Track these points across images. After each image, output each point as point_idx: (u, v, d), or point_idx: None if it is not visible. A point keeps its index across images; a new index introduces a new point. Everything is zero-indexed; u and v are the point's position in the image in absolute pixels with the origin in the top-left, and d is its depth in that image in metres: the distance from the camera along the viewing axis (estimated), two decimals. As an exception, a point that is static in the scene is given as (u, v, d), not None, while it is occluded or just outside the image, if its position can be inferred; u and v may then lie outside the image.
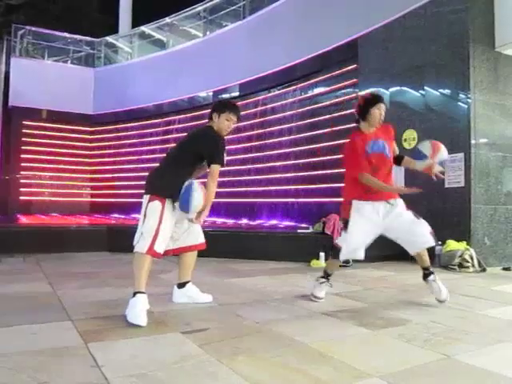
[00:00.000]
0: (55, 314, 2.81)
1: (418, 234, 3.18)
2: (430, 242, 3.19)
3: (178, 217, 3.03)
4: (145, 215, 2.92)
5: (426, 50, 5.85)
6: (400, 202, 3.23)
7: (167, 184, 2.96)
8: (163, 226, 2.88)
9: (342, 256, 3.19)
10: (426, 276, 3.30)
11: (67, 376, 1.81)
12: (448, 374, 1.93)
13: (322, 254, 5.27)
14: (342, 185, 3.52)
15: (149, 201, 2.94)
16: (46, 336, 2.35)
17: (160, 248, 2.88)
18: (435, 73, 5.74)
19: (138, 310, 2.65)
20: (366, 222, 3.15)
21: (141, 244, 2.85)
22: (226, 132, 3.19)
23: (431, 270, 3.30)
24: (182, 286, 3.22)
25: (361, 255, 3.22)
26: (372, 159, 3.17)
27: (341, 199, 3.63)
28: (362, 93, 3.51)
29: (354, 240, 3.16)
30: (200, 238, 3.22)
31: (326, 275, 3.40)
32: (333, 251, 3.30)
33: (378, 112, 3.22)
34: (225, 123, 3.14)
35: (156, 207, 2.90)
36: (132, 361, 2.00)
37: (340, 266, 3.50)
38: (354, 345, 2.31)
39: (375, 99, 3.26)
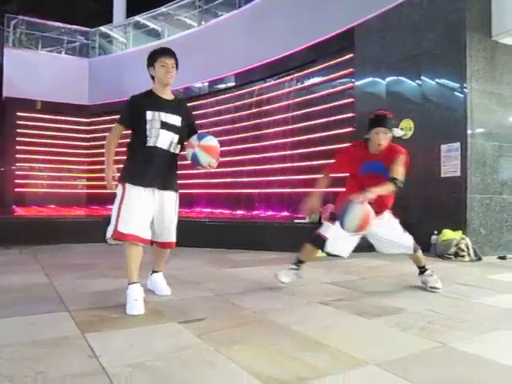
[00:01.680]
0: (52, 304, 2.82)
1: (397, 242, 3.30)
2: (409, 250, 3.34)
3: (157, 208, 2.94)
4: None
5: (422, 39, 5.82)
6: (386, 215, 3.31)
7: (124, 168, 2.96)
8: (125, 208, 2.79)
9: (327, 248, 3.18)
10: (421, 272, 3.46)
11: (64, 366, 1.81)
12: (444, 361, 1.94)
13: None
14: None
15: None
16: (43, 327, 2.35)
17: (125, 228, 2.76)
18: (432, 62, 5.72)
19: (133, 300, 2.70)
20: None
21: (108, 231, 2.82)
22: (169, 78, 2.96)
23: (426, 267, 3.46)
24: (153, 272, 3.24)
25: (344, 252, 3.24)
26: (364, 179, 3.17)
27: (337, 189, 3.65)
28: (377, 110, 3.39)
29: (342, 234, 3.09)
30: (169, 237, 3.04)
31: (299, 262, 3.37)
32: (315, 240, 3.25)
33: (376, 137, 3.11)
34: (162, 71, 2.95)
35: (118, 191, 2.88)
36: (129, 351, 2.00)
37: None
38: (350, 333, 2.32)
39: (373, 122, 3.13)
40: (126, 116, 2.98)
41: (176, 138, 2.97)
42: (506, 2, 5.38)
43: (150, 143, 2.88)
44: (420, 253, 3.41)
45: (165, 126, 2.91)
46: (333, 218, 3.24)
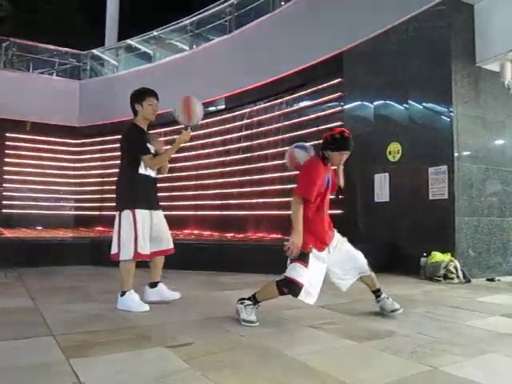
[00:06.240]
0: (37, 329, 2.75)
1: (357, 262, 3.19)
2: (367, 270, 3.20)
3: (152, 225, 3.45)
4: (119, 226, 3.34)
5: (409, 64, 5.95)
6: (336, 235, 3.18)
7: (126, 196, 3.38)
8: (140, 232, 3.30)
9: (301, 296, 2.83)
10: (377, 296, 3.30)
11: (48, 393, 1.76)
12: (434, 385, 1.93)
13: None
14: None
15: (120, 212, 3.38)
16: (27, 352, 2.29)
17: (142, 249, 3.32)
18: (418, 87, 5.84)
19: (138, 301, 3.30)
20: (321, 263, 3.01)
21: (126, 252, 3.30)
22: (153, 115, 3.47)
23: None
24: (153, 285, 3.60)
25: (314, 300, 2.92)
26: (326, 194, 3.09)
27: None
28: (341, 127, 3.44)
29: (315, 281, 2.89)
30: (169, 244, 3.60)
31: (255, 301, 2.98)
32: (288, 286, 2.84)
33: (341, 158, 3.08)
34: (149, 109, 3.44)
35: (126, 216, 3.32)
36: (115, 377, 1.95)
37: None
38: (340, 357, 2.30)
39: (341, 145, 3.03)
40: (140, 146, 3.39)
41: None
42: (487, 31, 5.55)
43: (142, 171, 3.40)
44: (374, 274, 3.26)
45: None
46: (303, 258, 2.86)
